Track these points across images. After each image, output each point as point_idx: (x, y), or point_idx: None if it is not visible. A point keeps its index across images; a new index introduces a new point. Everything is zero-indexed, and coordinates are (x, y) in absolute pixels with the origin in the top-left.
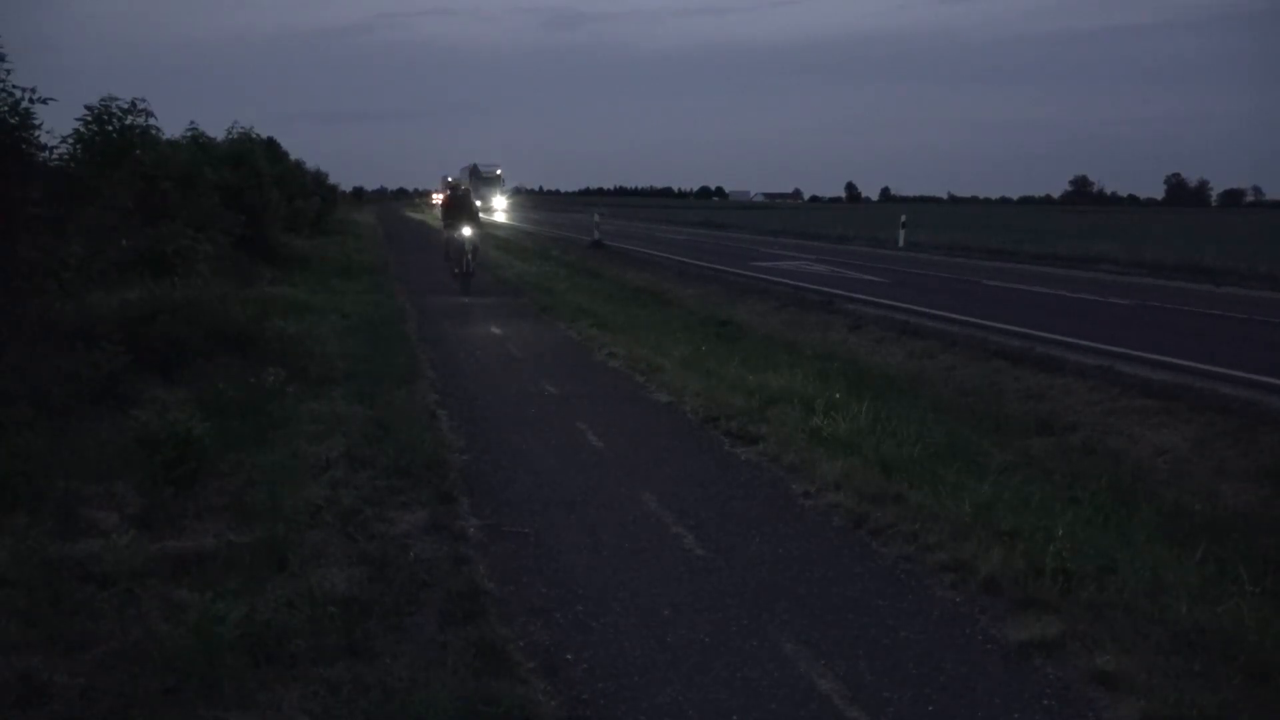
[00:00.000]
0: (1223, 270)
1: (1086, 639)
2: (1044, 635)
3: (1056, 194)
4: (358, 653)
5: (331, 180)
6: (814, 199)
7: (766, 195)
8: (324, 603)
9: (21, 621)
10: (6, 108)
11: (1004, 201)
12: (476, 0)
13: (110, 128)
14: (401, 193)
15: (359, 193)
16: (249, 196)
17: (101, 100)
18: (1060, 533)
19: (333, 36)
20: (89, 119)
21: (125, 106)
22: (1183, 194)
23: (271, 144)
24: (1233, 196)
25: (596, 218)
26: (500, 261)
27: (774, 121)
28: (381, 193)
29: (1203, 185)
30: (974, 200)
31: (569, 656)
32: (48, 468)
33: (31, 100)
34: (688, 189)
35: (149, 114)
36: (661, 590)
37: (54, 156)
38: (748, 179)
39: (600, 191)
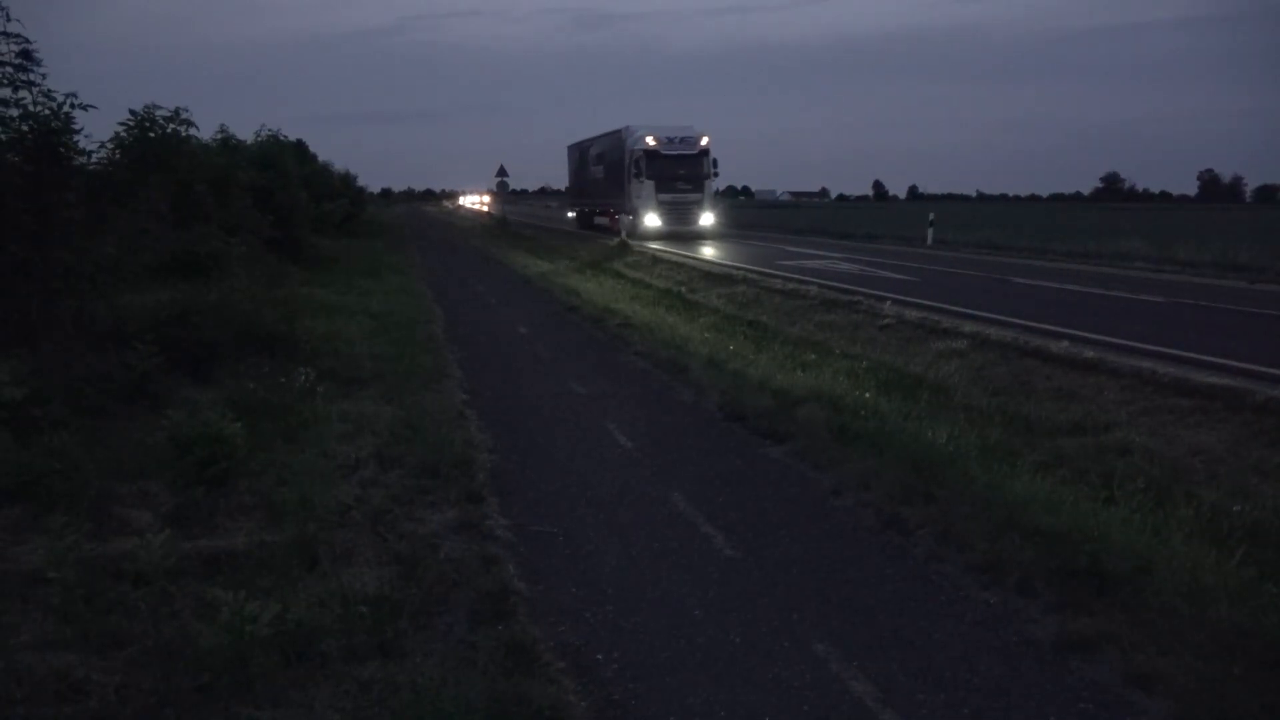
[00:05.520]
0: (1258, 267)
1: (1123, 641)
2: (1080, 637)
3: (1087, 191)
4: (388, 652)
5: (360, 182)
6: (841, 197)
7: (793, 194)
8: (355, 602)
9: (58, 619)
10: (48, 112)
11: (1033, 199)
12: (505, 1)
13: (152, 134)
14: (429, 194)
15: (387, 194)
16: (278, 198)
17: (145, 107)
18: (1095, 533)
19: (361, 38)
20: (131, 124)
21: (168, 114)
22: (1216, 190)
23: (300, 146)
24: (1268, 192)
25: (568, 213)
26: (519, 261)
27: (801, 120)
28: (409, 194)
29: (1237, 181)
30: (1003, 198)
31: (599, 656)
32: (82, 467)
33: (73, 105)
34: (715, 188)
35: (190, 123)
36: (691, 590)
37: (92, 161)
38: (774, 178)
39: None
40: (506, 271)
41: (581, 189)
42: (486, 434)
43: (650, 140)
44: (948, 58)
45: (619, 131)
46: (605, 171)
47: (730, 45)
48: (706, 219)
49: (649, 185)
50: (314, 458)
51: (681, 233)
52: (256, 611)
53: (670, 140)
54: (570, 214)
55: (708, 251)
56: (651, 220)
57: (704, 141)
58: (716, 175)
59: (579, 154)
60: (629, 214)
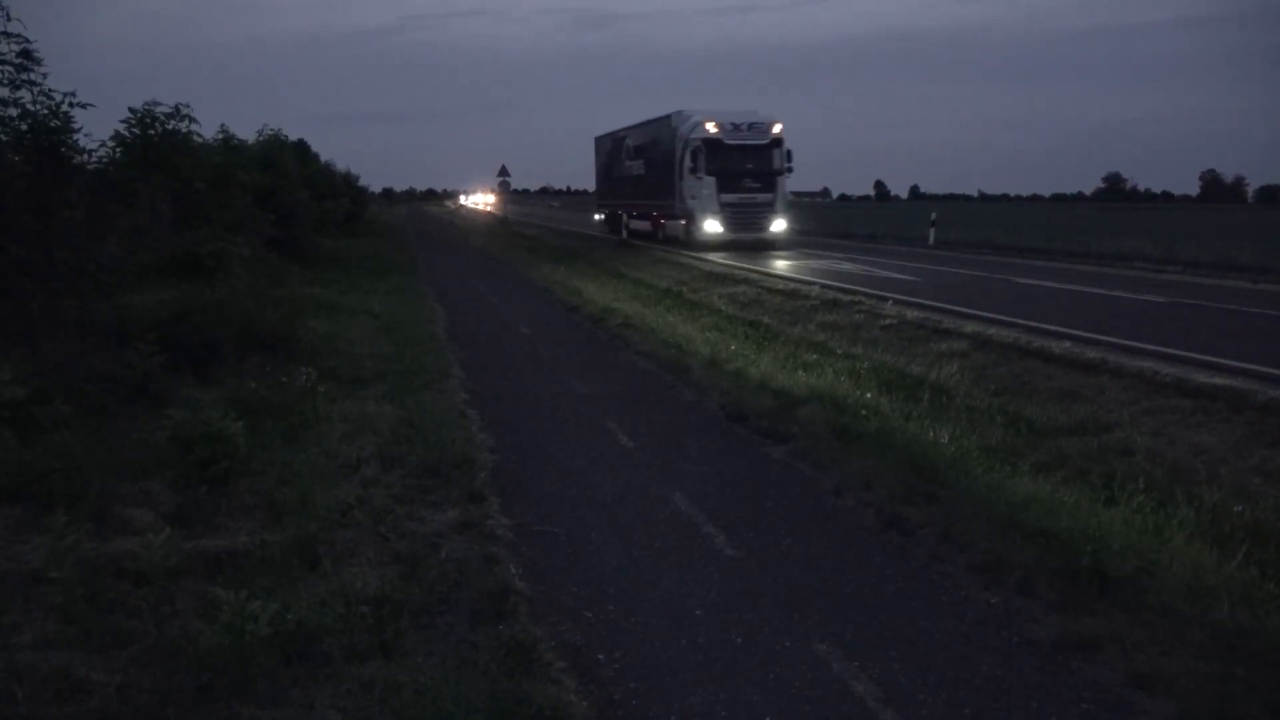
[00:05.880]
0: (1259, 267)
1: (1125, 641)
2: (1081, 637)
3: (1089, 191)
4: (389, 652)
5: (362, 181)
6: (843, 197)
7: (794, 194)
8: (356, 602)
9: (59, 619)
10: (46, 111)
11: (1035, 199)
12: (506, 1)
13: (153, 131)
14: (431, 193)
15: (389, 193)
16: (279, 198)
17: (145, 104)
18: (1097, 533)
19: (363, 38)
20: (132, 122)
21: (169, 111)
22: (1218, 190)
23: (301, 146)
24: (1270, 193)
25: (626, 218)
26: (520, 261)
27: (801, 120)
28: (411, 194)
29: (1239, 181)
30: (1005, 198)
31: (600, 656)
32: (84, 466)
33: (71, 104)
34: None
35: (192, 119)
36: (692, 590)
37: (92, 160)
38: None
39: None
40: (508, 271)
41: (613, 188)
42: (488, 433)
43: (711, 127)
44: (948, 58)
45: (667, 118)
46: (647, 166)
47: (730, 45)
48: (778, 225)
49: (709, 183)
50: (315, 457)
51: (748, 241)
52: (257, 611)
53: (735, 127)
54: (597, 216)
55: (781, 265)
56: (711, 226)
57: (776, 129)
58: (791, 171)
59: (610, 146)
60: (680, 218)
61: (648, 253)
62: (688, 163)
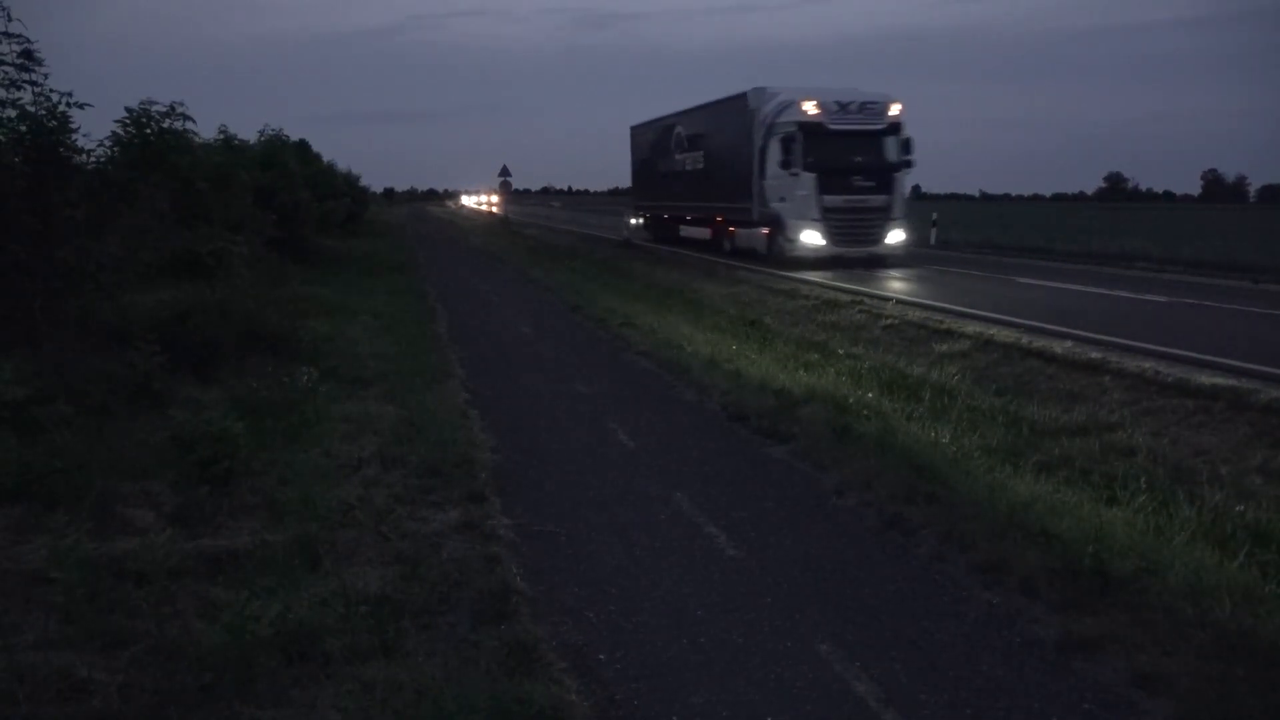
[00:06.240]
0: (1261, 266)
1: (1126, 641)
2: (1083, 637)
3: (1090, 191)
4: (390, 652)
5: (363, 181)
6: None
7: None
8: (357, 602)
9: (60, 619)
10: (44, 111)
11: (1037, 199)
12: (506, 1)
13: (149, 130)
14: (432, 193)
15: (389, 193)
16: (281, 198)
17: (141, 103)
18: (1098, 534)
19: (364, 38)
20: (127, 122)
21: (164, 110)
22: (1220, 190)
23: (302, 146)
24: (1272, 192)
25: (630, 219)
26: (521, 261)
27: None
28: (412, 194)
29: (1240, 181)
30: (1006, 197)
31: (601, 656)
32: (85, 466)
33: (69, 104)
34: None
35: (187, 117)
36: (693, 590)
37: (91, 160)
38: None
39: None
40: (509, 271)
41: (658, 186)
42: (489, 433)
43: (810, 108)
44: (948, 58)
45: (741, 97)
46: (708, 159)
47: (730, 45)
48: (895, 235)
49: (807, 181)
50: (316, 457)
51: (857, 257)
52: (259, 611)
53: (842, 107)
54: (634, 220)
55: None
56: (810, 237)
57: (894, 110)
58: (912, 165)
59: (654, 137)
60: (761, 226)
61: (650, 253)
62: (775, 154)
